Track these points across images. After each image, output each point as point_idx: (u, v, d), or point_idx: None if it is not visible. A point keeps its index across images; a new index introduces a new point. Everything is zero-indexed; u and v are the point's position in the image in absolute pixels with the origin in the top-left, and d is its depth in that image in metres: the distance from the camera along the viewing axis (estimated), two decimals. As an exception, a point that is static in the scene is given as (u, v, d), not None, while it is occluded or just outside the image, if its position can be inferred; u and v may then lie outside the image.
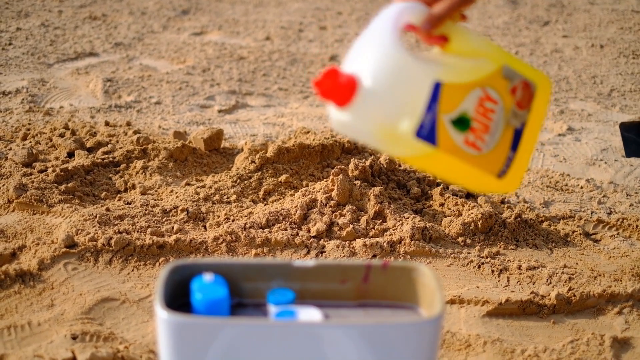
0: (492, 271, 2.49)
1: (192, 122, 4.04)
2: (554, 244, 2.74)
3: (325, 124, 4.05)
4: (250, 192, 2.96)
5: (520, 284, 2.43)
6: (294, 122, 4.09)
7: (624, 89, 4.96)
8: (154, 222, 2.65)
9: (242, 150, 3.29)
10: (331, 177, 2.81)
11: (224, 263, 1.27)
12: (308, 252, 2.53)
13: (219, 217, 2.73)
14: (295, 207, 2.71)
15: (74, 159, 3.13)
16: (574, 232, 2.84)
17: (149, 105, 4.26)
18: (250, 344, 1.11)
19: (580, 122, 4.28)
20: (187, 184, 3.02)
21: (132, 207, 2.75)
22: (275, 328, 1.12)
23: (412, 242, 2.57)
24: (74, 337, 1.97)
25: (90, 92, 4.46)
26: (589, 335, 2.15)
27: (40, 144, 3.31)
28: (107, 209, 2.71)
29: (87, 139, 3.34)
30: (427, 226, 2.67)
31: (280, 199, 2.91)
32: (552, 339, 2.16)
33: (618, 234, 2.87)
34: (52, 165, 3.01)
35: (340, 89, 1.19)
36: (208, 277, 1.21)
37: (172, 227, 2.61)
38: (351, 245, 2.55)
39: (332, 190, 2.78)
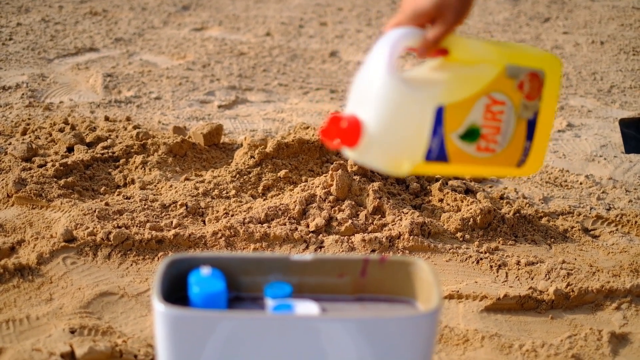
0: (491, 266, 2.49)
1: (191, 117, 4.04)
2: (552, 240, 2.74)
3: (325, 120, 4.04)
4: (250, 187, 2.96)
5: (518, 279, 2.43)
6: (293, 118, 4.08)
7: (624, 85, 4.96)
8: (153, 216, 2.65)
9: (242, 145, 3.29)
10: (330, 172, 2.81)
11: (221, 257, 1.28)
12: (307, 247, 2.53)
13: (218, 212, 2.73)
14: (294, 202, 2.71)
15: (74, 154, 3.13)
16: (572, 227, 2.84)
17: (149, 101, 4.26)
18: (247, 337, 1.11)
19: (580, 119, 4.28)
20: (187, 179, 3.02)
21: (131, 202, 2.75)
22: (272, 321, 1.12)
23: (411, 237, 2.57)
24: (73, 331, 1.97)
25: (90, 87, 4.46)
26: (587, 331, 2.15)
27: (39, 138, 3.31)
28: (106, 204, 2.71)
29: (87, 134, 3.34)
30: (426, 221, 2.67)
31: (279, 194, 2.91)
32: (550, 334, 2.16)
33: (617, 229, 2.87)
34: (52, 160, 3.01)
35: (345, 133, 1.21)
36: (205, 270, 1.21)
37: (171, 222, 2.62)
38: (350, 240, 2.55)
39: (331, 185, 2.78)
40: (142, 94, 4.36)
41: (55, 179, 2.86)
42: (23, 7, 6.49)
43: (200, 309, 1.17)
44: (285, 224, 2.62)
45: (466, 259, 2.53)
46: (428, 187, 3.01)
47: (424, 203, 2.91)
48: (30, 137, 3.33)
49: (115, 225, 2.53)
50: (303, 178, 3.01)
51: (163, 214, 2.69)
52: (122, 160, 3.13)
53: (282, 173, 2.99)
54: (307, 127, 3.48)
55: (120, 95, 4.31)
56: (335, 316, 1.21)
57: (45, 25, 5.94)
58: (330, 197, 2.75)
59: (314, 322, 1.13)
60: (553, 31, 6.53)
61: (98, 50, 5.35)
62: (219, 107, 4.25)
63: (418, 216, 2.69)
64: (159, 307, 1.11)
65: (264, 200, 2.86)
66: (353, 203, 2.74)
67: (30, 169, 2.93)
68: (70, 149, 3.20)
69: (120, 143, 3.25)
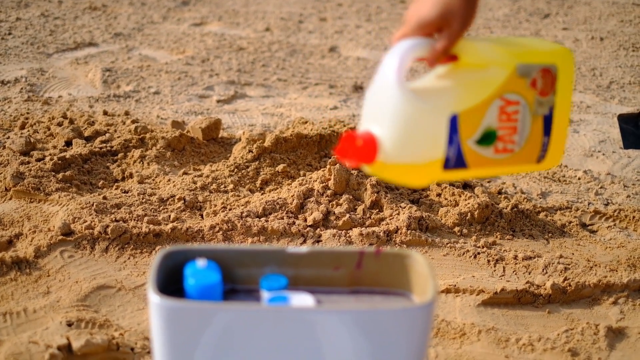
0: (488, 261, 2.49)
1: (190, 112, 4.04)
2: (550, 235, 2.74)
3: (324, 115, 4.05)
4: (248, 181, 2.96)
5: (516, 274, 2.43)
6: (292, 113, 4.08)
7: (623, 81, 4.96)
8: (150, 210, 2.65)
9: (240, 139, 3.29)
10: (328, 166, 2.81)
11: (217, 249, 1.28)
12: (304, 241, 2.53)
13: (215, 206, 2.73)
14: (292, 196, 2.71)
15: (72, 148, 3.13)
16: (570, 222, 2.84)
17: (148, 95, 4.26)
18: (242, 329, 1.11)
19: (579, 114, 4.28)
20: (185, 173, 3.02)
21: (129, 196, 2.75)
22: (267, 313, 1.13)
23: (409, 231, 2.57)
24: (70, 324, 1.97)
25: (89, 82, 4.46)
26: (584, 325, 2.15)
27: (38, 132, 3.31)
28: (104, 198, 2.71)
29: (85, 128, 3.34)
30: (424, 216, 2.67)
31: (277, 188, 2.91)
32: (547, 328, 2.16)
33: (615, 225, 2.87)
34: (50, 154, 3.01)
35: (360, 151, 1.21)
36: (201, 262, 1.21)
37: (169, 216, 2.62)
38: (347, 235, 2.55)
39: (329, 179, 2.78)
40: (141, 89, 4.36)
41: (53, 173, 2.86)
42: (22, 1, 6.49)
43: (196, 301, 1.17)
44: (282, 218, 2.62)
45: (464, 253, 2.53)
46: (426, 181, 3.01)
47: (421, 197, 2.91)
48: (28, 131, 3.33)
49: (113, 218, 2.54)
50: (301, 172, 3.01)
51: (161, 207, 2.69)
52: (120, 155, 3.13)
53: (280, 167, 2.99)
54: (306, 122, 3.48)
55: (119, 90, 4.31)
56: (331, 308, 1.21)
57: (44, 20, 5.93)
58: (328, 192, 2.75)
59: (309, 314, 1.13)
60: (553, 27, 6.53)
61: (97, 45, 5.35)
62: (218, 101, 4.25)
63: (416, 210, 2.69)
64: (154, 299, 1.11)
65: (262, 194, 2.86)
66: (351, 197, 2.74)
67: (28, 162, 2.93)
68: (68, 143, 3.20)
69: (118, 137, 3.25)
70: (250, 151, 3.07)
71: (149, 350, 1.89)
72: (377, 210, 2.72)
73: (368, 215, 2.68)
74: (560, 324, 2.19)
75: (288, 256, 1.28)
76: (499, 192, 3.07)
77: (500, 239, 2.66)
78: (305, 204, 2.70)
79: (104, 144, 3.18)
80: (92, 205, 2.60)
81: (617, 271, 2.46)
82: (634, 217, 2.90)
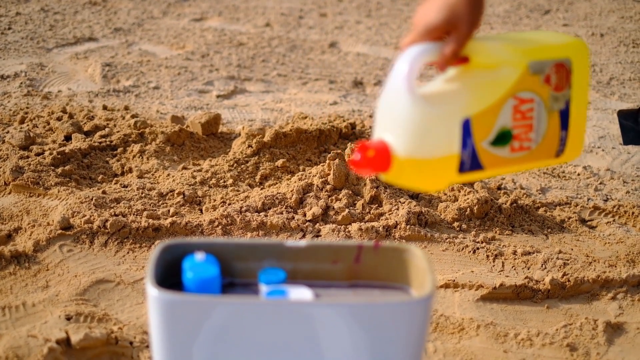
0: (487, 256, 2.49)
1: (190, 107, 4.04)
2: (549, 230, 2.74)
3: (323, 110, 4.05)
4: (247, 176, 2.96)
5: (515, 269, 2.43)
6: (292, 108, 4.08)
7: (623, 77, 4.96)
8: (150, 205, 2.65)
9: (240, 134, 3.29)
10: (327, 161, 2.81)
11: (215, 242, 1.28)
12: (304, 236, 2.53)
13: (215, 200, 2.73)
14: (291, 191, 2.71)
15: (71, 142, 3.13)
16: (570, 218, 2.84)
17: (148, 90, 4.25)
18: (241, 322, 1.11)
19: (578, 110, 4.27)
20: (184, 167, 3.02)
21: (129, 190, 2.75)
22: (265, 307, 1.12)
23: (408, 226, 2.57)
24: (68, 318, 1.97)
25: (89, 77, 4.46)
26: (583, 320, 2.15)
27: (37, 127, 3.31)
28: (104, 192, 2.71)
29: (85, 123, 3.34)
30: (423, 211, 2.67)
31: (276, 183, 2.91)
32: (545, 324, 2.16)
33: (614, 220, 2.87)
34: (49, 149, 3.01)
35: (374, 161, 1.20)
36: (199, 256, 1.21)
37: (168, 211, 2.62)
38: (347, 230, 2.55)
39: (328, 174, 2.78)
40: (140, 84, 4.35)
41: (52, 167, 2.86)
42: (22, -4, 6.48)
43: (194, 294, 1.17)
44: (282, 213, 2.62)
45: (463, 248, 2.53)
46: (425, 177, 3.00)
47: (421, 192, 2.91)
48: (28, 125, 3.33)
49: (112, 213, 2.54)
50: (301, 167, 3.01)
51: (160, 202, 2.70)
52: (119, 149, 3.13)
53: (279, 162, 2.99)
54: (305, 117, 3.48)
55: (119, 85, 4.31)
56: (329, 302, 1.20)
57: (44, 14, 5.93)
58: (328, 187, 2.75)
59: (307, 308, 1.13)
60: (553, 23, 6.52)
61: (97, 40, 5.34)
62: (218, 97, 4.25)
63: (415, 206, 2.69)
64: (153, 292, 1.11)
65: (261, 189, 2.86)
66: (350, 192, 2.74)
67: (27, 157, 2.93)
68: (68, 138, 3.20)
69: (118, 132, 3.25)
70: (249, 146, 3.07)
71: (147, 344, 1.89)
72: (377, 205, 2.72)
73: (367, 210, 2.68)
74: (559, 319, 2.19)
75: (286, 250, 1.28)
76: (499, 188, 3.07)
77: (499, 234, 2.67)
78: (305, 198, 2.70)
79: (104, 139, 3.17)
80: (92, 199, 2.60)
81: (616, 267, 2.47)
82: (633, 212, 2.90)
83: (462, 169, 1.23)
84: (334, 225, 2.57)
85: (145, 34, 5.57)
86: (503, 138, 1.25)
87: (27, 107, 3.71)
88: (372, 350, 1.14)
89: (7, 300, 2.07)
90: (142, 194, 2.72)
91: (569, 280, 2.32)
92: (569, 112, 1.31)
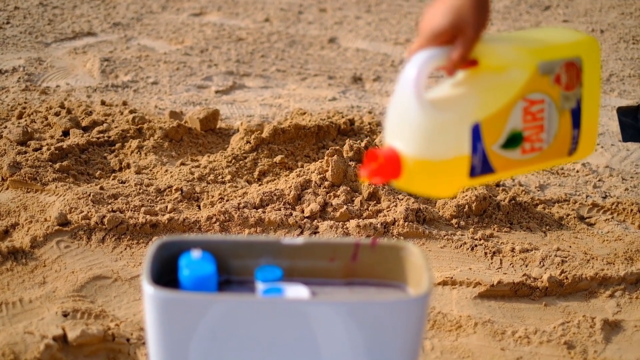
0: (485, 253, 2.49)
1: (188, 102, 4.03)
2: (548, 227, 2.74)
3: (322, 106, 4.04)
4: (245, 172, 2.95)
5: (513, 266, 2.43)
6: (290, 104, 4.07)
7: (623, 74, 4.95)
8: (147, 201, 2.65)
9: (238, 130, 3.29)
10: (326, 157, 2.80)
11: (212, 240, 1.27)
12: (302, 233, 2.53)
13: (213, 196, 2.73)
14: (289, 187, 2.70)
15: (69, 138, 3.12)
16: (568, 215, 2.83)
17: (146, 85, 4.25)
18: (237, 320, 1.11)
19: (578, 107, 4.26)
20: (182, 163, 3.01)
21: (127, 186, 2.74)
22: (262, 304, 1.12)
23: (406, 223, 2.57)
24: (65, 315, 1.97)
25: (87, 72, 4.45)
26: (580, 318, 2.15)
27: (35, 122, 3.30)
28: (101, 188, 2.70)
29: (83, 118, 3.33)
30: (421, 208, 2.67)
31: (274, 179, 2.91)
32: (543, 321, 2.16)
33: (612, 217, 2.87)
34: (47, 144, 3.00)
35: (385, 168, 1.20)
36: (196, 253, 1.20)
37: (166, 207, 2.61)
38: (345, 226, 2.55)
39: (327, 171, 2.77)
40: (139, 79, 4.35)
41: (50, 163, 2.86)
42: (21, -10, 6.47)
43: (190, 292, 1.17)
44: (280, 210, 2.61)
45: (461, 245, 2.53)
46: (424, 173, 3.00)
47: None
48: (26, 120, 3.32)
49: (110, 209, 2.53)
50: (299, 164, 3.00)
51: (158, 198, 2.69)
52: (117, 145, 3.12)
53: (277, 158, 2.99)
54: (304, 113, 3.47)
55: (117, 80, 4.30)
56: (326, 300, 1.20)
57: (43, 9, 5.91)
58: (326, 183, 2.74)
59: (303, 306, 1.12)
60: (553, 19, 6.51)
61: (96, 35, 5.33)
62: (216, 92, 4.24)
63: (413, 202, 2.69)
64: (149, 290, 1.10)
65: (259, 185, 2.86)
66: (348, 189, 2.74)
67: (25, 152, 2.93)
68: (66, 133, 3.19)
69: (116, 127, 3.24)
70: (248, 142, 3.06)
71: (144, 341, 1.89)
72: (375, 202, 2.72)
73: (365, 207, 2.68)
74: (556, 316, 2.19)
75: (283, 247, 1.27)
76: (497, 185, 3.07)
77: (497, 231, 2.66)
78: (303, 195, 2.69)
79: (102, 134, 3.17)
80: (89, 195, 2.59)
81: (614, 264, 2.46)
82: (631, 210, 2.89)
83: (472, 173, 1.22)
84: (332, 221, 2.57)
85: (144, 28, 5.56)
86: (514, 140, 1.24)
87: (25, 102, 3.70)
88: (368, 348, 1.14)
89: (3, 297, 2.06)
90: (139, 189, 2.72)
91: (567, 278, 2.31)
92: (581, 110, 1.29)
